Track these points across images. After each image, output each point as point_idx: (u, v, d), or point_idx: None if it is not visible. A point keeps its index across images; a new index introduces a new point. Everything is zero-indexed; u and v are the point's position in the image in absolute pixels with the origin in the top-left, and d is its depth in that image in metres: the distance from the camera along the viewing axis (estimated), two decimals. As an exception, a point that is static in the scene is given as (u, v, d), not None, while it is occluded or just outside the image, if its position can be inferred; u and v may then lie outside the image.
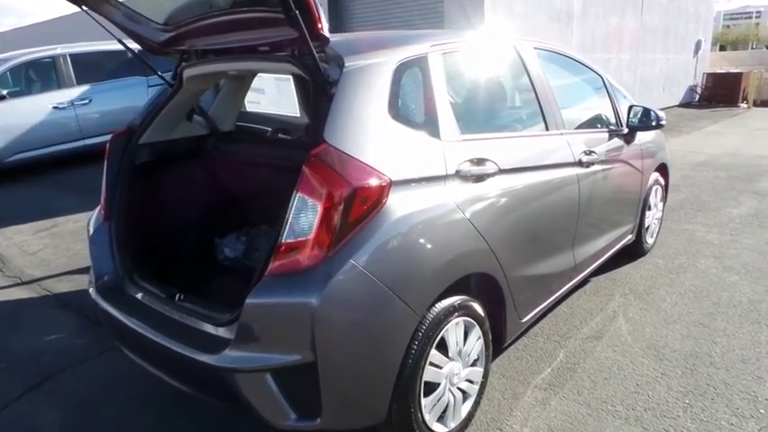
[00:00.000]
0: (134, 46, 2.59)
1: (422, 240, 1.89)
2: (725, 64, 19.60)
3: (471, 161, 2.15)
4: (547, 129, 2.72)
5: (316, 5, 1.74)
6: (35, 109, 7.69)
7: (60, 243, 5.04)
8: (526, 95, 2.69)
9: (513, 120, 2.72)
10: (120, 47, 8.16)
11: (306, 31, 1.75)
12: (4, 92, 7.43)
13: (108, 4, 2.32)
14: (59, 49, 8.09)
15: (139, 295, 2.32)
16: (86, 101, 8.12)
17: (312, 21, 1.75)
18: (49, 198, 6.74)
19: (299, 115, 4.07)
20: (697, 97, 16.71)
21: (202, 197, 2.91)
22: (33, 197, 6.85)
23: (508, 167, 2.33)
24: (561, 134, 2.79)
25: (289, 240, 1.73)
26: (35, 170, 7.87)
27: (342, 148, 1.76)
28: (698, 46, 16.39)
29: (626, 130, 3.45)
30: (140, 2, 2.37)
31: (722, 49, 42.19)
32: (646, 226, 4.06)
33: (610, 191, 3.28)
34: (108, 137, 8.21)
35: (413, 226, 1.86)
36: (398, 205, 1.83)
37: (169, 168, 2.78)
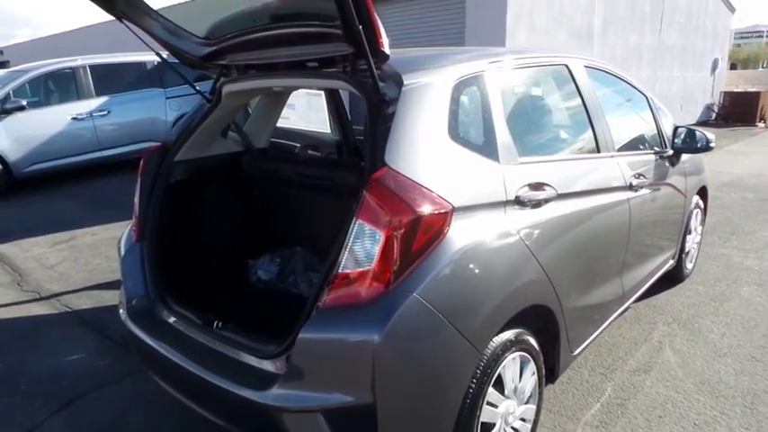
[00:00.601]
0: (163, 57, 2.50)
1: (484, 272, 1.77)
2: (741, 82, 19.46)
3: (530, 186, 2.03)
4: (598, 151, 2.60)
5: (378, 20, 1.63)
6: (54, 119, 7.67)
7: (79, 257, 4.95)
8: (578, 116, 2.57)
9: (567, 141, 2.60)
10: (138, 58, 8.16)
11: (367, 48, 1.64)
12: (24, 102, 7.41)
13: (149, 17, 2.23)
14: (80, 61, 8.09)
15: (173, 320, 2.20)
16: (105, 112, 8.09)
17: (374, 36, 1.64)
18: (66, 210, 6.67)
19: (329, 131, 3.98)
20: (714, 116, 16.54)
21: (236, 216, 2.80)
22: (50, 208, 6.78)
23: (565, 192, 2.20)
24: (612, 156, 2.67)
25: (346, 270, 1.61)
26: (51, 181, 7.82)
27: (403, 172, 1.65)
28: (715, 64, 16.27)
29: (671, 152, 3.32)
30: (181, 15, 2.28)
31: (733, 67, 42.05)
32: (686, 250, 3.91)
33: (656, 215, 3.15)
34: (125, 148, 8.24)
35: (475, 256, 1.74)
36: (460, 234, 1.71)
37: (203, 186, 2.67)
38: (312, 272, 2.71)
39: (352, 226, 1.60)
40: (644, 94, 3.36)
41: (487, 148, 1.95)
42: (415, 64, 1.96)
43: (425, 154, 1.75)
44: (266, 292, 2.69)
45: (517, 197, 1.96)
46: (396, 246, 1.57)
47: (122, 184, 7.81)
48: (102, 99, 8.10)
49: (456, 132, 1.85)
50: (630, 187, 2.73)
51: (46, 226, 5.87)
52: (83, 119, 7.87)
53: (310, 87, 2.57)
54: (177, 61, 2.49)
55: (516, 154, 2.05)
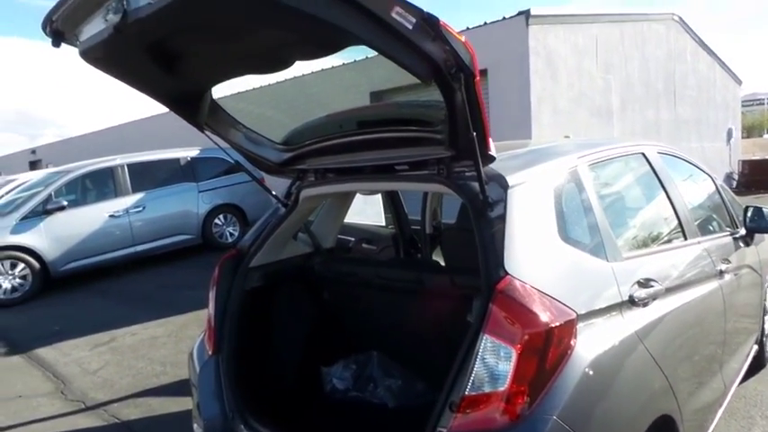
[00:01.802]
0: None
1: (616, 387, 1.63)
2: (756, 150, 19.61)
3: (640, 283, 1.92)
4: (685, 237, 2.50)
5: (489, 125, 1.61)
6: (92, 218, 7.80)
7: (121, 360, 4.80)
8: (662, 203, 2.50)
9: (657, 230, 2.52)
10: (173, 155, 8.39)
11: (479, 152, 1.61)
12: (65, 202, 7.57)
13: (233, 128, 2.26)
14: (118, 160, 8.34)
15: None
16: (140, 208, 8.23)
17: (485, 141, 1.61)
18: (103, 308, 6.60)
19: (383, 224, 3.94)
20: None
21: (308, 321, 2.69)
22: (85, 307, 6.72)
23: (670, 287, 2.09)
24: (699, 242, 2.57)
25: (474, 393, 1.47)
26: (85, 277, 7.82)
27: (526, 281, 1.55)
28: (729, 134, 16.47)
29: (743, 232, 3.21)
30: (263, 123, 2.31)
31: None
32: (766, 333, 3.69)
33: (742, 299, 2.99)
34: (158, 242, 8.28)
35: (605, 369, 1.60)
36: (587, 345, 1.58)
37: (275, 291, 2.59)
38: (391, 378, 2.55)
39: (478, 342, 1.49)
40: (709, 175, 3.31)
41: (595, 246, 1.87)
42: (512, 162, 1.92)
43: (543, 258, 1.66)
44: (344, 403, 2.52)
45: (631, 297, 1.85)
46: (530, 363, 1.45)
47: (156, 278, 7.80)
48: (138, 195, 8.28)
49: (565, 233, 1.77)
50: (720, 273, 2.60)
51: (84, 326, 5.78)
52: (119, 216, 8.00)
53: (403, 190, 2.54)
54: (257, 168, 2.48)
55: (619, 250, 1.96)
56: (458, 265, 2.84)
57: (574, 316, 1.57)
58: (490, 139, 1.65)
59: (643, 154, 2.54)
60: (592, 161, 2.14)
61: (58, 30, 1.69)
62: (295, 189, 2.44)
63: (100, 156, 8.90)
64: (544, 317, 1.49)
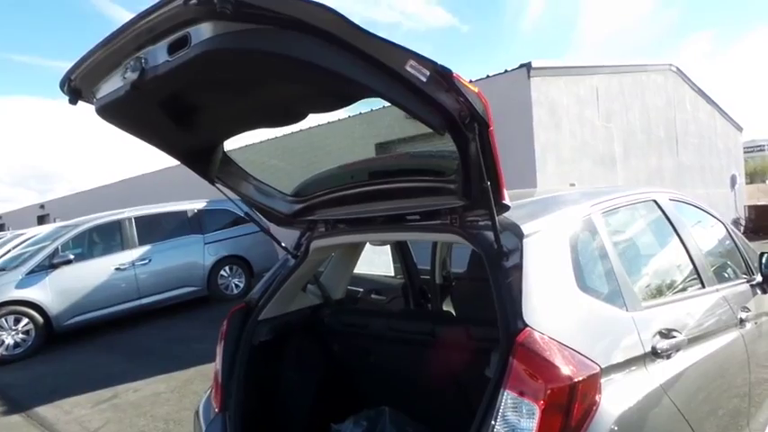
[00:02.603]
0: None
1: (645, 442, 1.54)
2: (761, 196, 19.62)
3: (662, 334, 1.86)
4: (703, 285, 2.45)
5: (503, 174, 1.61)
6: (98, 271, 7.78)
7: (123, 417, 4.66)
8: (677, 251, 2.46)
9: (674, 278, 2.47)
10: (180, 207, 8.47)
11: (493, 202, 1.59)
12: (71, 256, 7.56)
13: (244, 181, 2.27)
14: (126, 213, 8.40)
15: None
16: (146, 261, 8.22)
17: (499, 190, 1.60)
18: (105, 363, 6.47)
19: (393, 274, 3.90)
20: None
21: (316, 375, 2.61)
22: (88, 362, 6.59)
23: (692, 336, 2.02)
24: (717, 290, 2.51)
25: (496, 451, 1.40)
26: (88, 331, 7.71)
27: (547, 333, 1.50)
28: (733, 180, 16.52)
29: (760, 278, 3.15)
30: (273, 175, 2.32)
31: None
32: (791, 384, 3.55)
33: (765, 348, 2.89)
34: (163, 295, 8.24)
35: (631, 426, 1.53)
36: (612, 400, 1.52)
37: (283, 345, 2.53)
38: (404, 435, 2.45)
39: (499, 398, 1.43)
40: (720, 221, 3.28)
41: (613, 295, 1.82)
42: (525, 212, 1.90)
43: (562, 309, 1.62)
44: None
45: (653, 348, 1.78)
46: (554, 420, 1.38)
47: (160, 331, 7.69)
48: (145, 248, 8.29)
49: (583, 282, 1.73)
50: (741, 322, 2.53)
51: (86, 383, 5.64)
52: (125, 268, 7.98)
53: (414, 240, 2.52)
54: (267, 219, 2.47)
55: (639, 299, 1.92)
56: (469, 315, 2.78)
57: (598, 369, 1.51)
58: (504, 189, 1.64)
59: (655, 201, 2.53)
60: (605, 209, 2.12)
61: (76, 88, 1.73)
62: (305, 240, 2.42)
63: (108, 209, 8.96)
64: (567, 370, 1.43)
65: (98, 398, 5.22)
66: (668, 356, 1.84)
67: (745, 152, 19.71)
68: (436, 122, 1.44)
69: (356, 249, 2.87)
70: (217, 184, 2.29)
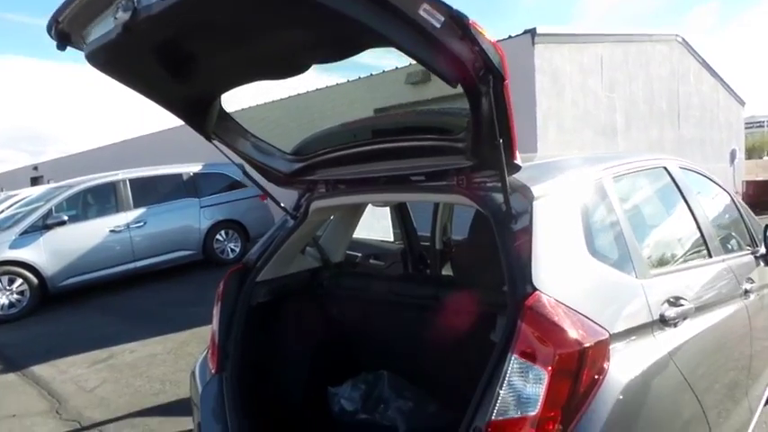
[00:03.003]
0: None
1: (649, 412, 1.52)
2: (759, 171, 19.57)
3: (669, 302, 1.82)
4: (710, 255, 2.40)
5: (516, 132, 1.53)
6: (92, 233, 7.70)
7: (119, 377, 4.66)
8: (686, 220, 2.41)
9: (682, 247, 2.43)
10: (176, 170, 8.35)
11: (504, 161, 1.52)
12: (65, 217, 7.48)
13: (242, 138, 2.18)
14: (120, 175, 8.28)
15: None
16: (141, 223, 8.14)
17: (511, 149, 1.53)
18: (101, 324, 6.46)
19: (392, 239, 3.85)
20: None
21: (314, 339, 2.57)
22: (84, 323, 6.58)
23: (700, 306, 1.98)
24: (723, 260, 2.47)
25: (500, 418, 1.36)
26: (83, 293, 7.69)
27: (557, 297, 1.45)
28: (733, 155, 16.42)
29: (764, 250, 3.11)
30: (272, 133, 2.23)
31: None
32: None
33: (764, 320, 2.88)
34: (159, 258, 8.19)
35: (639, 396, 1.50)
36: (621, 368, 1.48)
37: (281, 307, 2.49)
38: (402, 399, 2.43)
39: (506, 363, 1.38)
40: (726, 191, 3.22)
41: (623, 261, 1.77)
42: (536, 173, 1.83)
43: (572, 274, 1.57)
44: (352, 426, 2.40)
45: (662, 316, 1.74)
46: (563, 386, 1.34)
47: (156, 294, 7.68)
48: (140, 211, 8.20)
49: (593, 247, 1.68)
50: (745, 293, 2.50)
51: (82, 343, 5.64)
52: (120, 231, 7.91)
53: (418, 201, 2.46)
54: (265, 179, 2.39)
55: (648, 266, 1.87)
56: (469, 281, 2.74)
57: (607, 336, 1.47)
58: (516, 148, 1.56)
59: (665, 168, 2.46)
60: (616, 174, 2.05)
61: (64, 31, 1.62)
62: (305, 201, 2.35)
63: (103, 171, 8.83)
64: (577, 335, 1.39)
65: (94, 358, 5.22)
66: (675, 325, 1.81)
67: (744, 128, 19.58)
68: (449, 73, 1.35)
69: (356, 212, 2.80)
70: (214, 141, 2.20)
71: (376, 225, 3.75)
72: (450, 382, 2.33)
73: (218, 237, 8.99)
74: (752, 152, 55.09)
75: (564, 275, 1.54)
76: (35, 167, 26.46)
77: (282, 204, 2.44)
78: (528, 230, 1.58)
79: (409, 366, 2.47)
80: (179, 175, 8.94)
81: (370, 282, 2.39)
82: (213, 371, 2.20)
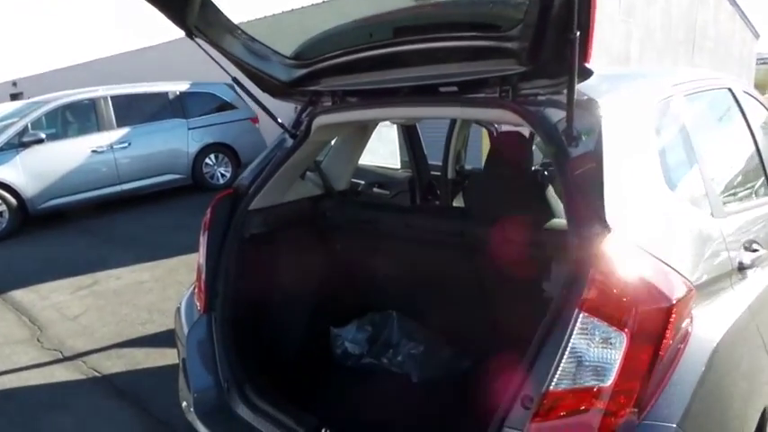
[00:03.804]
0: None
1: (732, 376, 1.26)
2: (765, 108, 19.09)
3: (745, 247, 1.52)
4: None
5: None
6: (73, 153, 7.25)
7: (104, 305, 4.43)
8: (751, 150, 2.08)
9: (750, 182, 2.11)
10: (161, 88, 7.74)
11: (576, 63, 1.16)
12: (42, 135, 7.00)
13: (229, 34, 1.77)
14: (101, 91, 7.72)
15: (261, 424, 1.67)
16: (125, 144, 7.68)
17: (586, 47, 1.16)
18: (86, 249, 6.18)
19: (399, 167, 3.50)
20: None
21: (315, 275, 2.29)
22: (67, 247, 6.29)
23: (771, 250, 1.69)
24: None
25: (562, 388, 1.08)
26: (67, 216, 7.35)
27: (635, 241, 1.14)
28: (741, 90, 15.94)
29: None
30: (268, 31, 1.82)
31: (744, 93, 41.87)
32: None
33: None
34: (145, 182, 7.76)
35: (723, 357, 1.22)
36: (704, 326, 1.20)
37: (278, 239, 2.18)
38: (413, 342, 2.19)
39: (570, 320, 1.09)
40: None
41: (699, 197, 1.46)
42: (600, 84, 1.46)
43: (649, 211, 1.25)
44: (357, 371, 2.17)
45: (740, 263, 1.45)
46: (644, 351, 1.06)
47: (143, 218, 7.37)
48: (123, 131, 7.70)
49: (669, 178, 1.36)
50: None
51: (65, 268, 5.36)
52: (103, 151, 7.46)
53: (446, 117, 2.09)
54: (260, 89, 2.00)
55: (721, 204, 1.56)
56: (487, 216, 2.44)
57: (692, 289, 1.17)
58: (591, 46, 1.19)
59: (730, 90, 2.10)
60: (686, 91, 1.69)
61: None
62: (307, 116, 1.98)
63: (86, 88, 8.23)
64: (663, 289, 1.09)
65: (77, 284, 4.96)
66: (749, 274, 1.52)
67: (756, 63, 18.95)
68: None
69: (364, 132, 2.43)
70: (197, 39, 1.79)
71: (381, 150, 3.39)
72: (469, 329, 2.08)
73: (207, 161, 8.57)
74: (759, 88, 54.23)
75: (641, 213, 1.23)
76: (14, 83, 25.24)
77: (280, 120, 2.06)
78: (596, 155, 1.24)
79: (423, 309, 2.21)
80: (164, 94, 8.37)
81: (382, 213, 2.07)
82: (201, 310, 1.92)
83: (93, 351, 3.63)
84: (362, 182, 3.34)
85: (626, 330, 1.05)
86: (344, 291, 2.36)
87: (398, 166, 3.42)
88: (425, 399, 1.95)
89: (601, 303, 1.07)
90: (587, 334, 1.07)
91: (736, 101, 2.09)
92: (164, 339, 3.72)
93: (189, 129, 8.39)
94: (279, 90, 1.97)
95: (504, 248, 1.67)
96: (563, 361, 1.08)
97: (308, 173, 2.33)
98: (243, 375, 1.81)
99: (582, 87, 1.37)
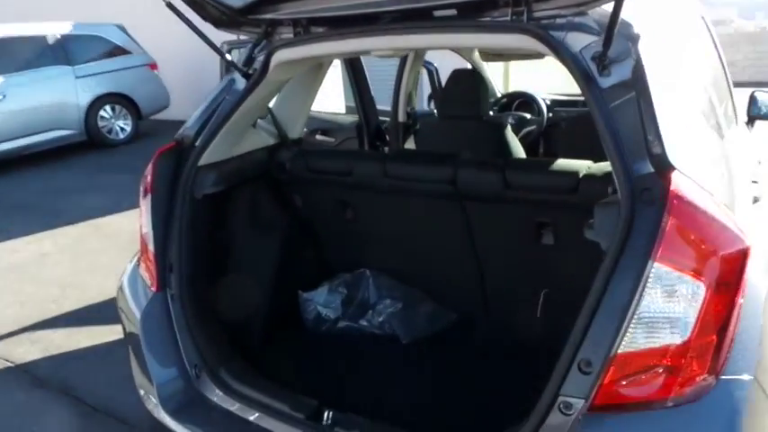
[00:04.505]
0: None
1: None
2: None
3: (753, 181, 1.48)
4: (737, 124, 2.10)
5: None
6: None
7: (3, 285, 3.84)
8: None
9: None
10: (37, 31, 6.71)
11: None
12: None
13: None
14: (-39, 33, 6.54)
15: (248, 412, 1.45)
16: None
17: None
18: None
19: (344, 112, 3.23)
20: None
21: (279, 236, 2.03)
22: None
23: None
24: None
25: (630, 349, 0.97)
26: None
27: (699, 182, 1.03)
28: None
29: None
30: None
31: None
32: None
33: None
34: (29, 139, 6.88)
35: None
36: (758, 271, 1.12)
37: (234, 199, 1.89)
38: (390, 300, 2.03)
39: (641, 272, 0.96)
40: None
41: (731, 122, 1.38)
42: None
43: (698, 147, 1.14)
44: (338, 337, 1.98)
45: (755, 198, 1.41)
46: (721, 301, 0.96)
47: (34, 182, 6.52)
48: (-5, 80, 6.65)
49: (709, 108, 1.25)
50: None
51: (-56, 244, 4.61)
52: (-28, 105, 6.41)
53: (445, 48, 1.83)
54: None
55: (746, 133, 1.50)
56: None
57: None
58: None
59: (702, 18, 2.03)
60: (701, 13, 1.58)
61: None
62: (262, 52, 1.67)
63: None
64: (737, 232, 0.99)
65: (-35, 261, 4.28)
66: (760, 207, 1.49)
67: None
68: None
69: (319, 70, 2.13)
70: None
71: (323, 93, 3.08)
72: (455, 285, 1.96)
73: (102, 113, 7.66)
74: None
75: (693, 148, 1.11)
76: None
77: (229, 57, 1.72)
78: (637, 82, 1.10)
79: (401, 268, 2.04)
80: (42, 38, 7.27)
81: (354, 162, 1.83)
82: (153, 288, 1.62)
83: (0, 338, 3.15)
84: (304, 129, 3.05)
85: (704, 279, 0.94)
86: (310, 251, 2.13)
87: (343, 111, 3.15)
88: (419, 361, 1.81)
89: (678, 251, 0.95)
90: (661, 286, 0.95)
91: (708, 29, 2.04)
92: (85, 316, 3.30)
93: (76, 77, 7.43)
94: (226, 19, 1.64)
95: (498, 196, 1.53)
96: (634, 318, 0.96)
97: (259, 121, 2.02)
98: (214, 358, 1.56)
99: (607, 7, 1.20)
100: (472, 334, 1.92)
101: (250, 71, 1.69)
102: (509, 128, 2.55)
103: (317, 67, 2.09)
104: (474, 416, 1.48)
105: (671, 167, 0.99)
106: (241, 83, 1.72)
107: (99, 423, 2.34)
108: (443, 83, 2.67)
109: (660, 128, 1.03)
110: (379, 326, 1.98)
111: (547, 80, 3.97)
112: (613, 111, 1.10)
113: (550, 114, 3.36)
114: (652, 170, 1.02)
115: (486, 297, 1.90)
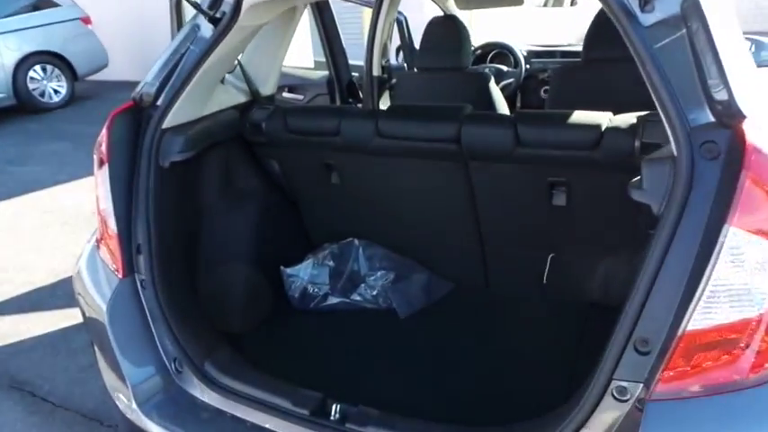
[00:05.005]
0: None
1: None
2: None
3: None
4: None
5: None
6: None
7: (-67, 269, 3.45)
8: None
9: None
10: None
11: None
12: None
13: None
14: None
15: (242, 410, 1.28)
16: None
17: None
18: None
19: (312, 67, 2.97)
20: None
21: (256, 205, 1.82)
22: None
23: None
24: None
25: (703, 326, 0.85)
26: None
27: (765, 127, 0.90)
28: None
29: None
30: None
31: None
32: None
33: None
34: None
35: None
36: None
37: (204, 164, 1.66)
38: (383, 271, 1.87)
39: (713, 239, 0.83)
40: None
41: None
42: None
43: (757, 90, 1.01)
44: (330, 315, 1.82)
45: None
46: None
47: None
48: None
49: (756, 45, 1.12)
50: None
51: None
52: None
53: None
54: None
55: None
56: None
57: None
58: None
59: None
60: None
61: None
62: None
63: None
64: None
65: None
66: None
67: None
68: None
69: (291, 19, 1.88)
70: None
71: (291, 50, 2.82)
72: (452, 251, 1.82)
73: (32, 74, 6.99)
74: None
75: (755, 93, 0.97)
76: None
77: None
78: (693, 18, 0.94)
79: (393, 235, 1.88)
80: None
81: (342, 120, 1.62)
82: (120, 274, 1.40)
83: (-66, 329, 2.82)
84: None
85: (788, 246, 0.83)
86: (291, 222, 1.93)
87: (312, 66, 2.90)
88: (422, 337, 1.67)
89: (756, 214, 0.82)
90: (736, 253, 0.83)
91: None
92: (34, 301, 3.01)
93: (-1, 34, 6.70)
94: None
95: (518, 154, 1.38)
96: (705, 291, 0.84)
97: (227, 76, 1.78)
98: (196, 350, 1.37)
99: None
100: (472, 303, 1.79)
101: (218, 14, 1.44)
102: (493, 80, 2.40)
103: (290, 14, 1.84)
104: (494, 400, 1.37)
105: (741, 116, 0.86)
106: (207, 29, 1.46)
107: (62, 421, 2.12)
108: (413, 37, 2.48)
109: (726, 71, 0.88)
110: (373, 299, 1.83)
111: (511, 32, 3.83)
112: (659, 52, 0.95)
113: (527, 66, 3.22)
114: (712, 119, 0.88)
115: (486, 264, 1.78)
